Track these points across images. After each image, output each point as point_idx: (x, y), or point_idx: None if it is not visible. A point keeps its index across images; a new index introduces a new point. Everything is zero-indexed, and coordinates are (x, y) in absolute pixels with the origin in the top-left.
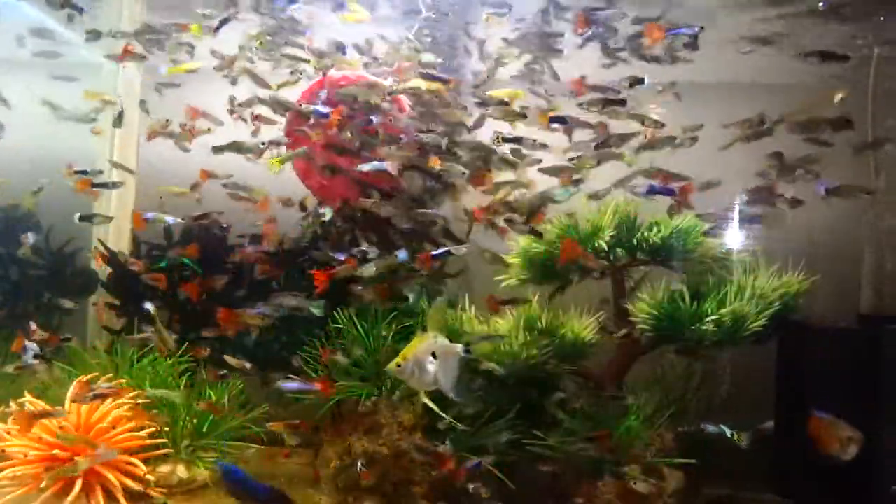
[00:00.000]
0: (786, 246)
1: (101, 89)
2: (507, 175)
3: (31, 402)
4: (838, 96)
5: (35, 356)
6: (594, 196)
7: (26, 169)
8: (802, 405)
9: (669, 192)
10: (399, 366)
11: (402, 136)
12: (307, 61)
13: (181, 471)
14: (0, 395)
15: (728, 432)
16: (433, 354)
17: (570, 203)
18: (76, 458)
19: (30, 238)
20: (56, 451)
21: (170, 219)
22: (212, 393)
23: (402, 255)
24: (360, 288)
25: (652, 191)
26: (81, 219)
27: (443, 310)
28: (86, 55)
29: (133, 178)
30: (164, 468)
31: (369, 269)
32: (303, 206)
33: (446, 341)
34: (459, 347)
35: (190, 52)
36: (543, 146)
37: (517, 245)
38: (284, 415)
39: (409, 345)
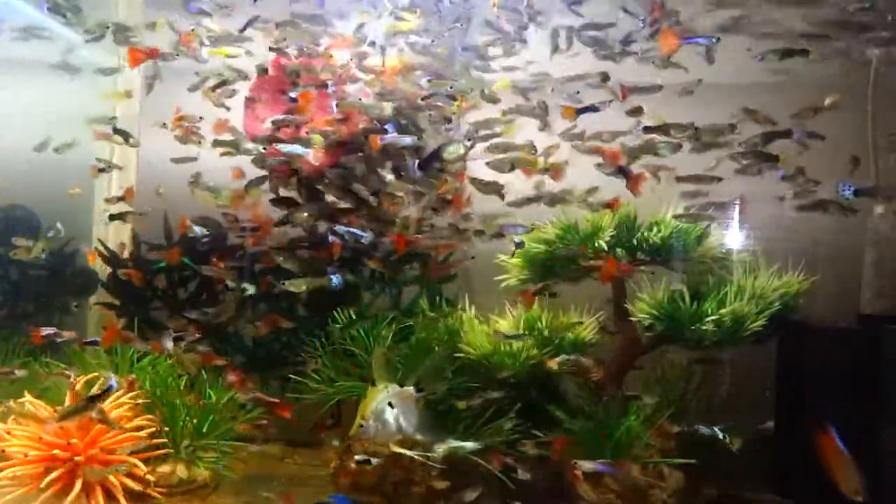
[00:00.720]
0: (786, 246)
1: (101, 89)
2: None
3: (31, 402)
4: (829, 100)
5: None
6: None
7: (24, 169)
8: (802, 405)
9: (625, 175)
10: (361, 426)
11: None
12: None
13: (181, 471)
14: (0, 395)
15: (720, 434)
16: (390, 405)
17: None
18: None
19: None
20: (56, 451)
21: (198, 229)
22: (212, 393)
23: (335, 279)
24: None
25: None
26: (112, 217)
27: (384, 356)
28: (86, 55)
29: (133, 177)
30: (164, 468)
31: (299, 286)
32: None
33: (397, 388)
34: (412, 389)
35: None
36: None
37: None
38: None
39: (364, 402)
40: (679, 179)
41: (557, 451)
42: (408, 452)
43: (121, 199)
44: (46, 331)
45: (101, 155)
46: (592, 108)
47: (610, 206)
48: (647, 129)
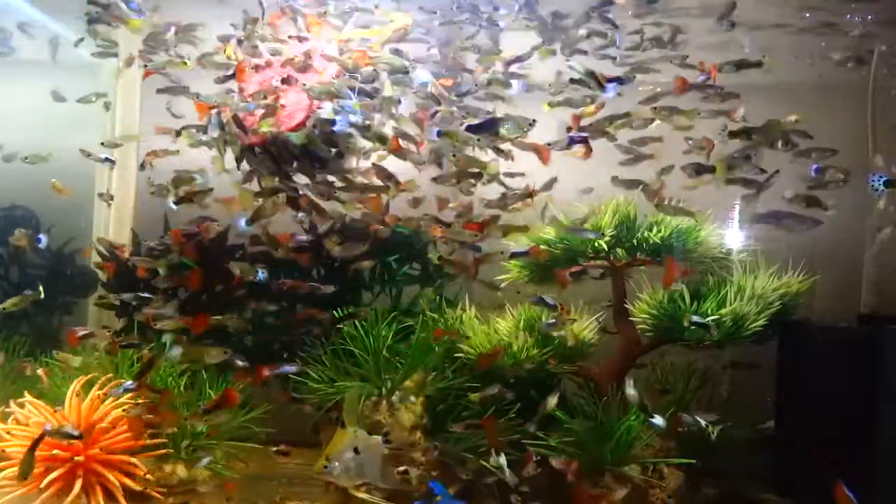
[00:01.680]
0: (786, 246)
1: (100, 89)
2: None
3: (31, 402)
4: (793, 117)
5: None
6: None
7: (23, 169)
8: (802, 405)
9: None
10: (325, 467)
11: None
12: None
13: (181, 471)
14: (0, 396)
15: (703, 423)
16: (355, 450)
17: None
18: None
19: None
20: (56, 451)
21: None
22: (211, 393)
23: (261, 274)
24: None
25: (572, 141)
26: (178, 202)
27: (358, 400)
28: (84, 55)
29: (133, 176)
30: (164, 468)
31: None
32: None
33: (365, 434)
34: (379, 438)
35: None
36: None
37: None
38: (284, 415)
39: (331, 443)
40: (729, 182)
41: (490, 434)
42: (369, 497)
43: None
44: (82, 331)
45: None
46: (619, 81)
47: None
48: (732, 134)
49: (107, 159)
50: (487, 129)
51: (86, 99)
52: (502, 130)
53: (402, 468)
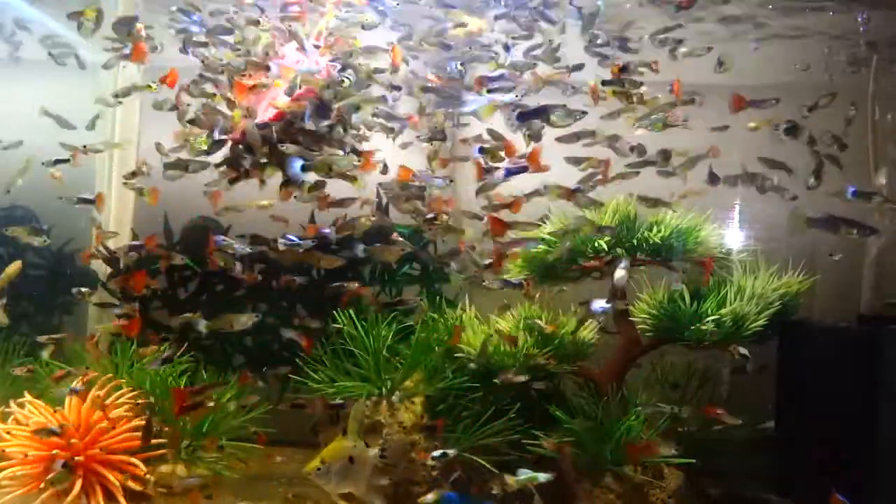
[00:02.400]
0: (786, 246)
1: (100, 89)
2: None
3: (31, 402)
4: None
5: None
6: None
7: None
8: (803, 405)
9: (522, 170)
10: (319, 469)
11: None
12: None
13: (181, 471)
14: (0, 396)
15: (673, 409)
16: (350, 459)
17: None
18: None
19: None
20: (56, 451)
21: (238, 246)
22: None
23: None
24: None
25: (509, 173)
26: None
27: (363, 410)
28: (84, 55)
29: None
30: (164, 468)
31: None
32: None
33: (364, 446)
34: (375, 452)
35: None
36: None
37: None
38: (284, 415)
39: (328, 447)
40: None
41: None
42: None
43: (91, 201)
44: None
45: (97, 156)
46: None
47: (509, 206)
48: (788, 132)
49: (58, 161)
50: (539, 116)
51: (90, 124)
52: (553, 118)
53: (438, 452)
